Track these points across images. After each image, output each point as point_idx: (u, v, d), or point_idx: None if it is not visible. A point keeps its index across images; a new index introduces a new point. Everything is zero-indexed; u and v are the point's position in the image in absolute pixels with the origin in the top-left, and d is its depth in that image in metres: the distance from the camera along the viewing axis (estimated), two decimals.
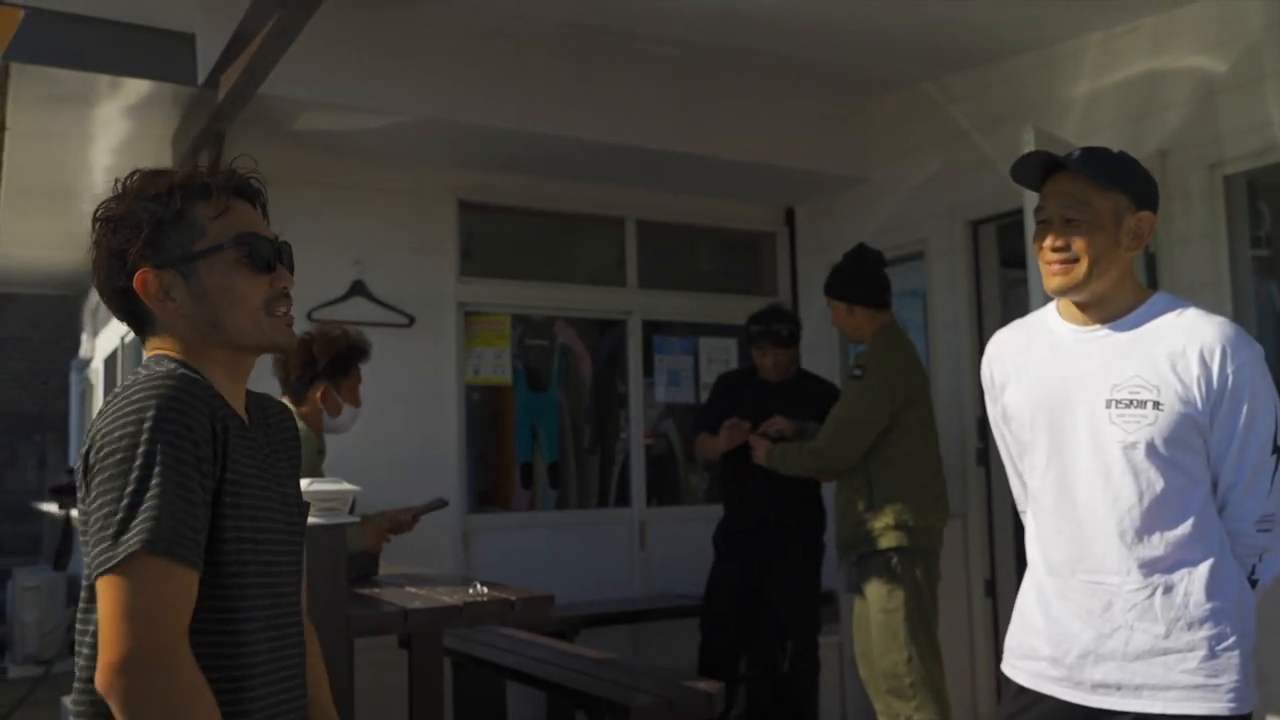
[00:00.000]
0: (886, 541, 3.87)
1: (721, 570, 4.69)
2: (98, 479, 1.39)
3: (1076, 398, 2.12)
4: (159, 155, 4.92)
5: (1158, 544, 2.05)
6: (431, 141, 4.85)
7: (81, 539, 1.44)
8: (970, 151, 4.85)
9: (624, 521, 5.62)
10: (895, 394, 3.95)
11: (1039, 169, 2.19)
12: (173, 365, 1.51)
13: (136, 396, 1.41)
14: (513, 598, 3.19)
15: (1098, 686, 2.09)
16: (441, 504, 4.07)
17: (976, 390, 4.88)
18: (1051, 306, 2.27)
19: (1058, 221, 2.12)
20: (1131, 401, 2.05)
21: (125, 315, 1.59)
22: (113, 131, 4.72)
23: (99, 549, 1.36)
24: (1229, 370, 2.03)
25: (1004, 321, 4.98)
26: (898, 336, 4.12)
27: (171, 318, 1.54)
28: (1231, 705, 2.02)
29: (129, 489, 1.36)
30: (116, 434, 1.40)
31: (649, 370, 5.84)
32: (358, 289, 4.85)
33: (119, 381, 1.53)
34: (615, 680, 3.63)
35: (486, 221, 5.47)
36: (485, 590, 3.29)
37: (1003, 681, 2.29)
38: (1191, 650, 2.02)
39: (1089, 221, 2.10)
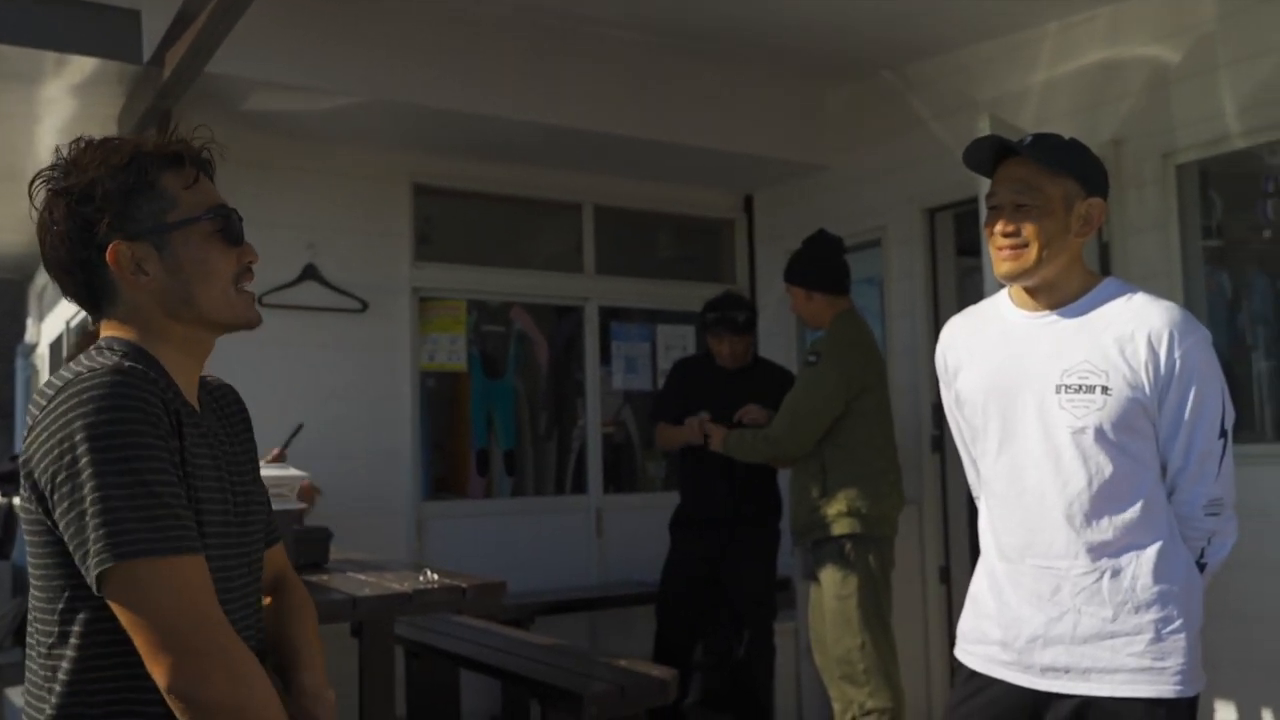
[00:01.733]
0: (840, 528, 3.87)
1: (677, 557, 4.68)
2: (63, 489, 1.31)
3: (1027, 384, 2.13)
4: (104, 134, 4.80)
5: (1106, 528, 2.06)
6: (386, 124, 4.78)
7: (27, 537, 1.39)
8: (927, 140, 4.86)
9: (581, 509, 5.60)
10: (851, 381, 3.95)
11: (990, 154, 2.19)
12: (119, 356, 1.43)
13: (83, 395, 1.33)
14: (464, 585, 3.15)
15: (1046, 670, 2.10)
16: (299, 428, 4.00)
17: (932, 377, 4.88)
18: (1004, 293, 2.27)
19: (1008, 207, 2.13)
20: (1080, 387, 2.06)
21: (81, 290, 1.50)
22: (58, 110, 4.62)
23: (98, 560, 1.29)
24: (1176, 354, 2.03)
25: (960, 309, 5.02)
26: (855, 323, 4.12)
27: (139, 293, 1.47)
28: (1178, 688, 2.03)
29: (106, 492, 1.29)
30: (70, 439, 1.31)
31: (606, 357, 5.81)
32: (310, 273, 4.78)
33: (63, 368, 1.44)
34: (569, 668, 3.61)
35: (442, 206, 5.41)
36: (436, 577, 3.25)
37: (955, 667, 2.30)
38: (1138, 633, 2.04)
39: (1039, 207, 2.10)
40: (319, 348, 4.75)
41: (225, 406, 1.64)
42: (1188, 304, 4.01)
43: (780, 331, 5.55)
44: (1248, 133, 3.83)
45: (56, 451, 1.32)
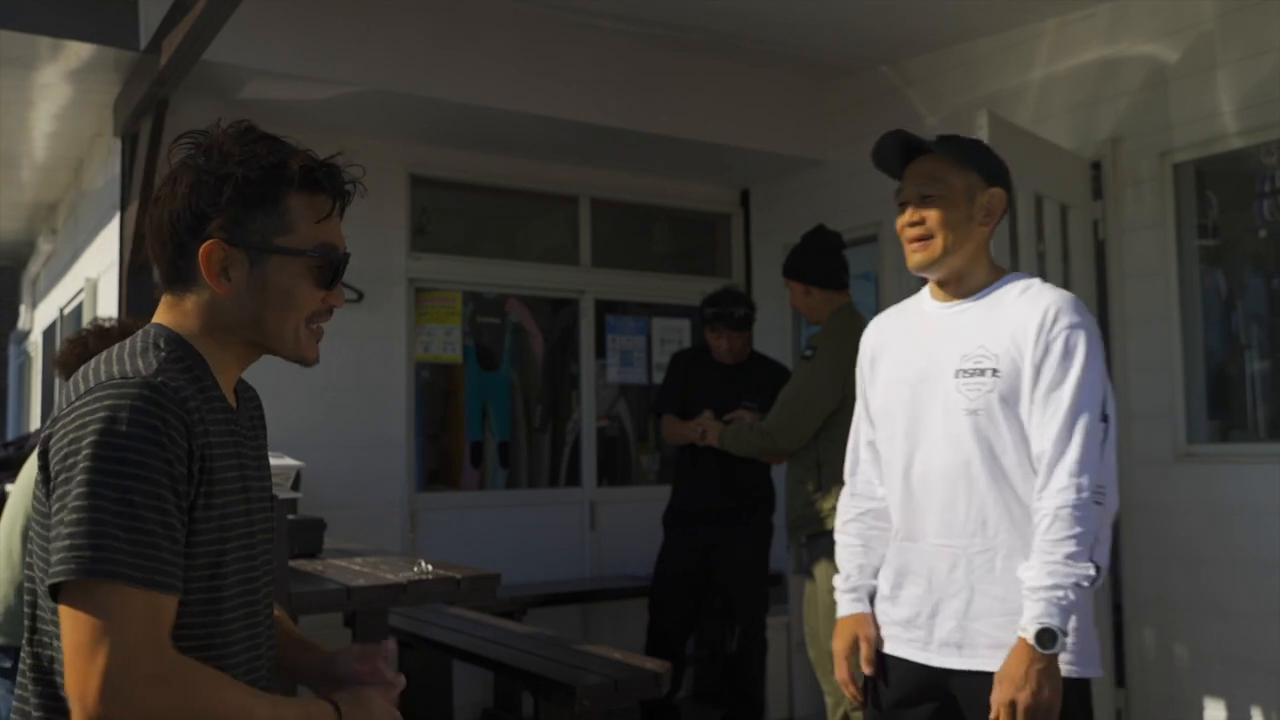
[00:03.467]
0: (835, 522, 3.87)
1: (670, 550, 4.69)
2: (60, 488, 1.28)
3: (935, 370, 2.22)
4: (100, 121, 4.81)
5: (1000, 507, 2.13)
6: (383, 114, 4.77)
7: (34, 544, 1.35)
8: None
9: (574, 501, 5.60)
10: (846, 375, 3.93)
11: (899, 155, 2.31)
12: (158, 356, 1.37)
13: (108, 401, 1.28)
14: (458, 576, 3.15)
15: (942, 645, 2.18)
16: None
17: None
18: (926, 288, 2.36)
19: (914, 199, 2.25)
20: (974, 370, 2.15)
21: (166, 264, 1.46)
22: (53, 96, 4.60)
23: (60, 569, 1.24)
24: (1057, 337, 2.09)
25: None
26: (852, 318, 4.11)
27: (216, 294, 1.43)
28: (1069, 668, 2.06)
29: (90, 505, 1.24)
30: (81, 440, 1.27)
31: (601, 350, 5.81)
32: None
33: (106, 357, 1.40)
34: (562, 660, 3.61)
35: (439, 197, 5.40)
36: (430, 568, 3.25)
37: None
38: (1018, 612, 2.05)
39: (943, 196, 2.22)
40: None
41: (249, 406, 1.61)
42: (1183, 303, 4.03)
43: (777, 327, 5.55)
44: (1244, 132, 3.84)
45: (66, 450, 1.29)
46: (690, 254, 6.30)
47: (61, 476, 1.28)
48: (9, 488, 3.47)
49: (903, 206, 2.27)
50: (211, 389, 1.43)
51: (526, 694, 4.58)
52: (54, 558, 1.25)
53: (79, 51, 4.07)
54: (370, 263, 4.98)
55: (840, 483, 3.87)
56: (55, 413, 1.36)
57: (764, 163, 5.54)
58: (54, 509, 1.28)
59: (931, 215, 2.21)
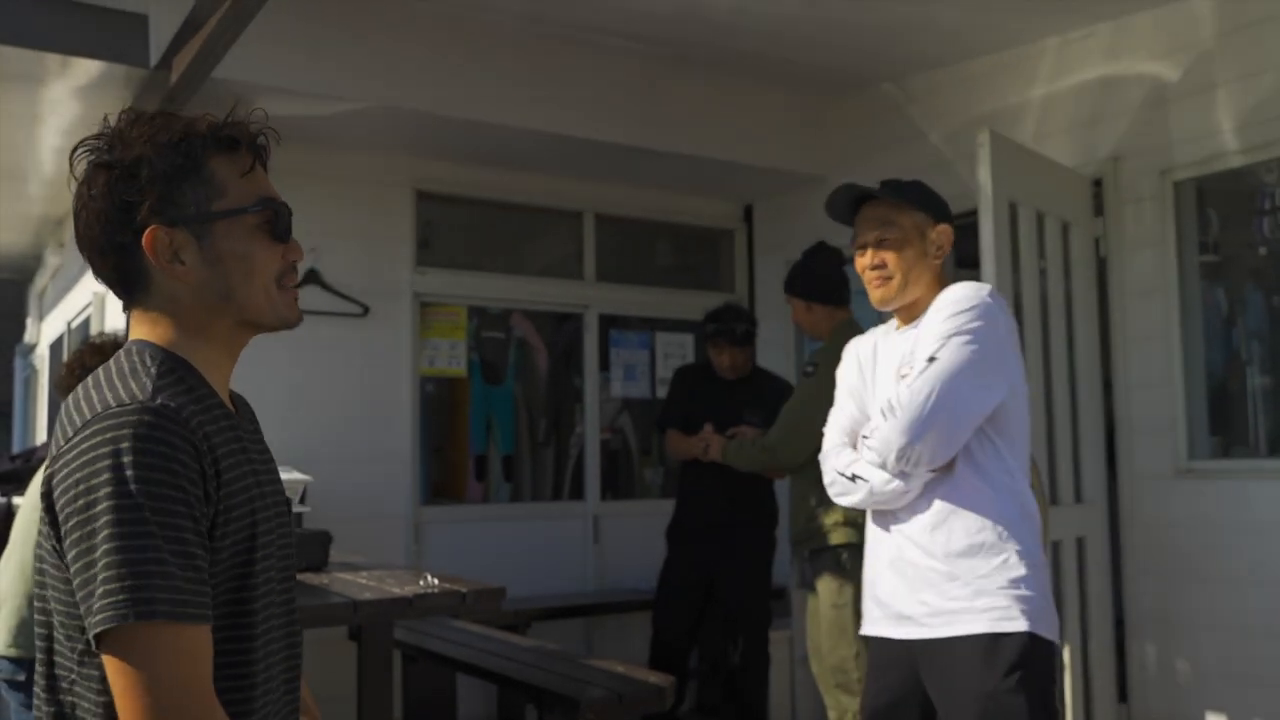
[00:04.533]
0: (837, 537, 3.89)
1: (673, 564, 4.70)
2: (75, 534, 1.23)
3: (889, 385, 2.46)
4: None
5: (933, 489, 2.35)
6: (389, 130, 4.80)
7: (45, 577, 1.31)
8: (927, 153, 4.89)
9: (578, 515, 5.62)
10: None
11: (849, 204, 2.54)
12: (149, 375, 1.32)
13: (110, 434, 1.24)
14: (463, 589, 3.17)
15: (901, 618, 2.39)
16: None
17: None
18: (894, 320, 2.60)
19: (872, 243, 2.47)
20: (906, 374, 2.38)
21: (113, 274, 1.40)
22: (62, 112, 4.64)
23: (103, 616, 1.20)
24: (943, 311, 2.34)
25: None
26: (854, 333, 4.13)
27: (174, 283, 1.37)
28: (1026, 624, 2.24)
29: (115, 547, 1.20)
30: (90, 480, 1.23)
31: (605, 364, 5.83)
32: (312, 277, 4.80)
33: (91, 383, 1.36)
34: (565, 673, 3.62)
35: (444, 212, 5.44)
36: (436, 582, 3.27)
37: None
38: (956, 579, 2.29)
39: (898, 239, 2.45)
40: (320, 352, 4.76)
41: (246, 411, 1.56)
42: (1184, 320, 4.05)
43: (779, 342, 5.57)
44: (1244, 150, 3.87)
45: (73, 492, 1.24)
46: (694, 269, 6.33)
47: (75, 521, 1.23)
48: (17, 500, 3.49)
49: (862, 249, 2.49)
50: (208, 397, 1.37)
51: (531, 707, 4.59)
52: (92, 607, 1.21)
53: (88, 68, 4.10)
54: (375, 277, 5.02)
55: None
56: (54, 446, 1.32)
57: (767, 179, 5.58)
58: (72, 556, 1.23)
59: (889, 256, 2.45)
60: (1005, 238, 3.72)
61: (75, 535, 1.23)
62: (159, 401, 1.28)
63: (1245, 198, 4.11)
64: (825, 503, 3.94)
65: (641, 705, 3.40)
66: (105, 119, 1.40)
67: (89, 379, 1.36)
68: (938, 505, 2.33)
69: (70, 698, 1.31)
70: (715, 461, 4.35)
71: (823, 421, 4.00)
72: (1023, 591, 2.26)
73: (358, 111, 4.52)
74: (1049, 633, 2.29)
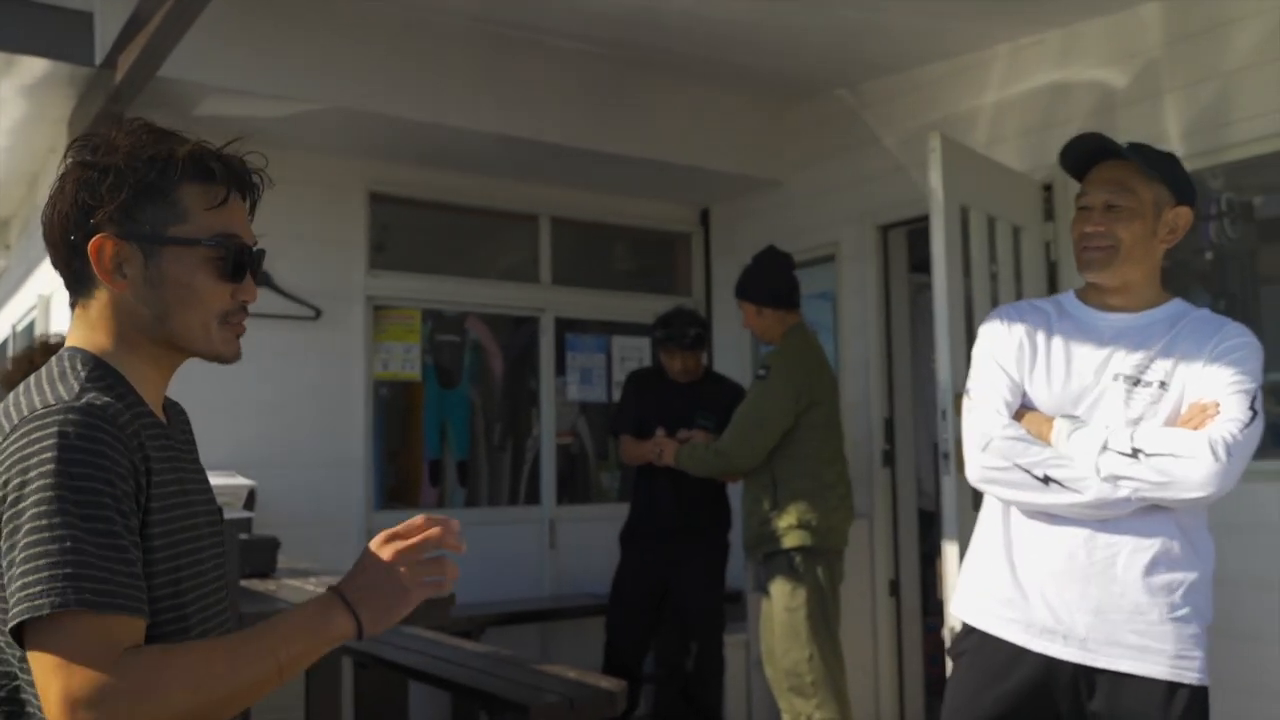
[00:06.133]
0: (790, 541, 3.90)
1: (627, 569, 4.69)
2: (4, 530, 1.23)
3: (1093, 376, 2.29)
4: (55, 136, 4.76)
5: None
6: (342, 132, 4.76)
7: None
8: (881, 157, 4.91)
9: (534, 520, 5.59)
10: (800, 394, 3.98)
11: (1086, 157, 2.29)
12: (78, 378, 1.33)
13: (35, 434, 1.25)
14: None
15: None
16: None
17: (884, 392, 4.96)
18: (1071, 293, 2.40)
19: (1100, 206, 2.23)
20: (1150, 381, 2.24)
21: (64, 269, 1.42)
22: (8, 111, 4.56)
23: (19, 605, 1.20)
24: (1249, 357, 2.17)
25: (911, 325, 5.10)
26: (804, 337, 4.15)
27: (115, 293, 1.39)
28: (1202, 677, 2.17)
29: (33, 540, 1.20)
30: (17, 479, 1.23)
31: (561, 368, 5.81)
32: (263, 280, 4.67)
33: (22, 390, 1.36)
34: (517, 679, 3.60)
35: (398, 214, 5.39)
36: None
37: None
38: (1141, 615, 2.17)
39: (1131, 209, 2.21)
40: (271, 355, 4.70)
41: (179, 422, 1.56)
42: None
43: (736, 345, 5.58)
44: (1191, 156, 3.90)
45: (2, 494, 1.24)
46: (650, 273, 6.32)
47: (6, 515, 1.24)
48: None
49: (1086, 210, 2.25)
50: (137, 405, 1.37)
51: (483, 714, 4.56)
52: (11, 600, 1.21)
53: (33, 67, 4.03)
54: (328, 280, 4.96)
55: (794, 500, 3.93)
56: None
57: (724, 183, 5.58)
58: (5, 548, 1.24)
59: (1116, 225, 2.21)
60: (957, 241, 3.75)
61: (7, 530, 1.23)
62: (84, 401, 1.29)
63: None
64: (778, 506, 3.95)
65: (593, 711, 3.38)
66: (113, 121, 1.43)
67: (20, 386, 1.37)
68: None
69: (23, 695, 1.30)
70: (669, 466, 4.35)
71: (776, 424, 4.04)
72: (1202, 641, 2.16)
73: (310, 113, 4.47)
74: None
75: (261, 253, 1.49)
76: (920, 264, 4.99)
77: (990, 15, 4.22)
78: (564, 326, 5.82)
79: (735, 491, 4.40)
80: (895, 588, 4.90)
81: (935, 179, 3.64)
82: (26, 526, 1.21)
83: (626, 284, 6.16)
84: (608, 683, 3.55)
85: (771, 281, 4.12)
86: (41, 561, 1.20)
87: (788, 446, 3.99)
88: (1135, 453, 2.07)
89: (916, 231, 4.92)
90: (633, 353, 5.99)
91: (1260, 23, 3.72)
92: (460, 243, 5.77)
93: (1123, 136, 4.03)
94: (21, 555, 1.21)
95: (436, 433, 5.69)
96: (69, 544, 1.21)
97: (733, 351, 5.59)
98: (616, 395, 5.78)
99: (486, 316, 5.81)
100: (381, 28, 4.41)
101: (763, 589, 4.03)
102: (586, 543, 5.51)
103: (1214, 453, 2.02)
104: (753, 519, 4.04)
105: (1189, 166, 3.89)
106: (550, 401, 5.70)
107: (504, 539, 5.44)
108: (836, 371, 4.50)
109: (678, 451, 4.28)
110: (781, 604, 3.92)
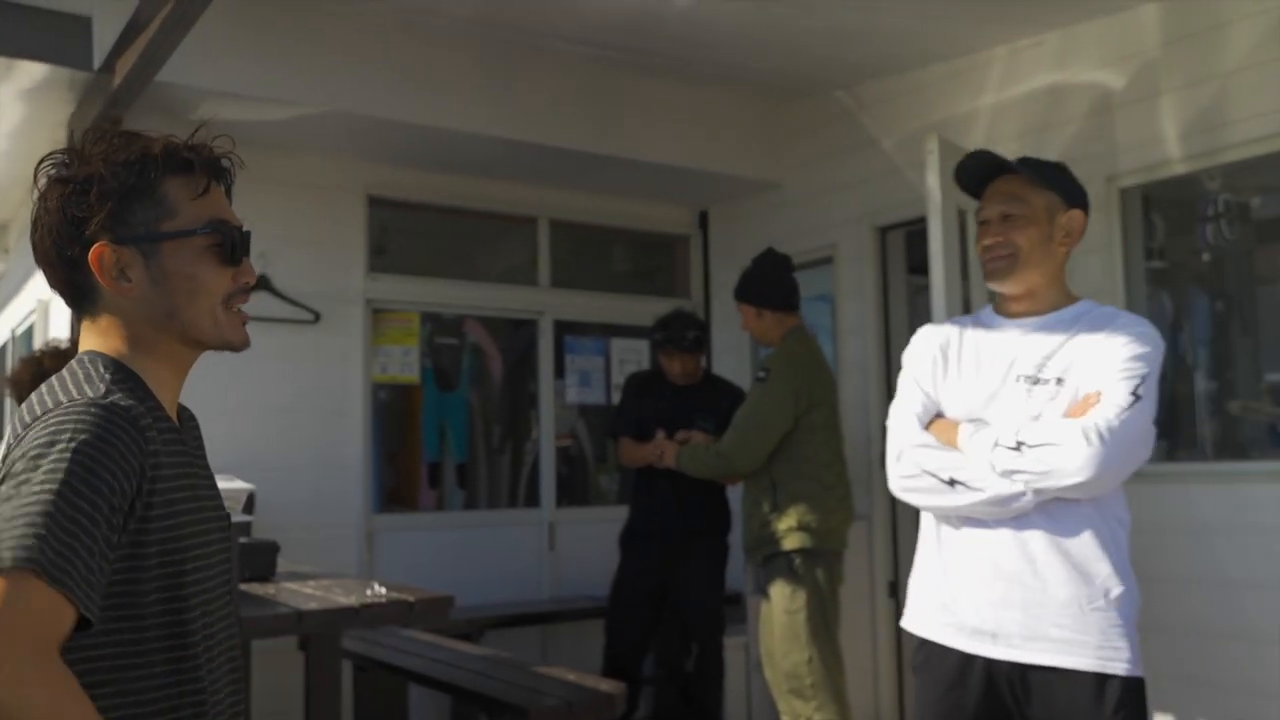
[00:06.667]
0: (790, 543, 3.90)
1: (627, 571, 4.69)
2: (13, 480, 1.25)
3: (1000, 381, 2.36)
4: (54, 141, 4.76)
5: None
6: (341, 135, 4.76)
7: None
8: (880, 159, 4.92)
9: (533, 522, 5.59)
10: (799, 396, 3.99)
11: (980, 176, 2.39)
12: (103, 380, 1.36)
13: (60, 423, 1.27)
14: (411, 599, 3.14)
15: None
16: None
17: (882, 394, 4.96)
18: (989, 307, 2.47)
19: (996, 218, 2.32)
20: (1046, 380, 2.30)
21: (64, 287, 1.44)
22: (6, 116, 4.56)
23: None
24: (1132, 345, 2.24)
25: (910, 327, 5.10)
26: (804, 339, 4.16)
27: (121, 299, 1.41)
28: (1131, 668, 2.17)
29: (24, 502, 1.21)
30: (33, 456, 1.25)
31: (560, 371, 5.82)
32: (262, 284, 4.74)
33: (45, 388, 1.38)
34: (516, 682, 3.60)
35: (397, 218, 5.40)
36: (383, 591, 3.24)
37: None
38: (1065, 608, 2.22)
39: (1025, 217, 2.30)
40: (270, 359, 4.70)
41: (190, 428, 1.58)
42: None
43: (735, 347, 5.59)
44: (1188, 158, 3.92)
45: (24, 454, 1.26)
46: (649, 275, 6.33)
47: (15, 469, 1.25)
48: None
49: (985, 224, 2.34)
50: (156, 409, 1.40)
51: (482, 717, 4.56)
52: None
53: (31, 71, 4.04)
54: (327, 283, 4.97)
55: (794, 503, 3.94)
56: (5, 446, 1.34)
57: (722, 185, 5.59)
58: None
59: (1012, 234, 2.29)
60: (955, 243, 3.75)
61: (8, 484, 1.25)
62: (110, 400, 1.32)
63: (1189, 204, 4.16)
64: (778, 509, 3.95)
65: (592, 713, 3.39)
66: (70, 135, 1.45)
67: (44, 385, 1.39)
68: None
69: None
70: (669, 468, 4.36)
71: (775, 427, 4.04)
72: (1130, 631, 2.19)
73: (308, 116, 4.47)
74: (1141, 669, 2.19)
75: (249, 234, 1.51)
76: (918, 266, 4.99)
77: (988, 17, 4.23)
78: (563, 329, 5.82)
79: (735, 494, 4.40)
80: (894, 589, 4.90)
81: (933, 181, 3.65)
82: (23, 489, 1.22)
83: (625, 286, 6.16)
84: (607, 685, 3.56)
85: (771, 284, 4.13)
86: (20, 521, 1.20)
87: (787, 449, 3.99)
88: (1019, 445, 2.15)
89: (915, 233, 4.92)
90: (632, 355, 5.99)
91: (1258, 24, 3.72)
92: (459, 245, 5.78)
93: (1121, 138, 4.07)
94: (8, 511, 1.21)
95: (436, 435, 5.69)
96: (50, 513, 1.20)
97: (732, 354, 5.59)
98: (615, 398, 5.78)
99: (485, 319, 5.81)
100: (381, 31, 4.41)
101: (762, 591, 4.03)
102: (586, 545, 5.51)
103: (1086, 439, 2.10)
104: (752, 521, 4.04)
105: (1186, 168, 3.93)
106: (549, 404, 5.71)
107: (503, 541, 5.45)
108: (835, 373, 4.50)
109: (678, 453, 4.28)
110: (781, 606, 3.92)
